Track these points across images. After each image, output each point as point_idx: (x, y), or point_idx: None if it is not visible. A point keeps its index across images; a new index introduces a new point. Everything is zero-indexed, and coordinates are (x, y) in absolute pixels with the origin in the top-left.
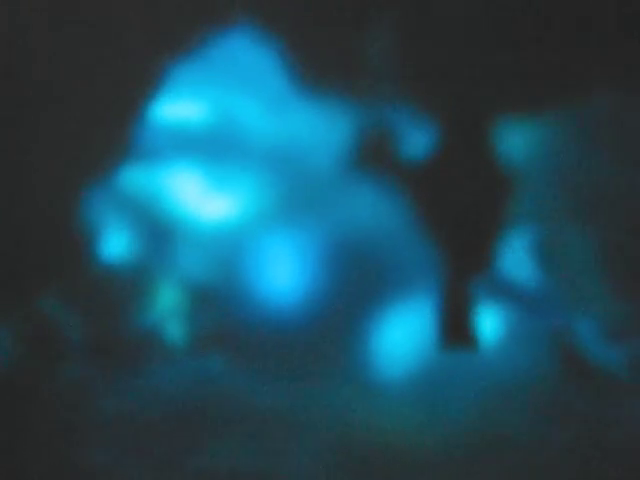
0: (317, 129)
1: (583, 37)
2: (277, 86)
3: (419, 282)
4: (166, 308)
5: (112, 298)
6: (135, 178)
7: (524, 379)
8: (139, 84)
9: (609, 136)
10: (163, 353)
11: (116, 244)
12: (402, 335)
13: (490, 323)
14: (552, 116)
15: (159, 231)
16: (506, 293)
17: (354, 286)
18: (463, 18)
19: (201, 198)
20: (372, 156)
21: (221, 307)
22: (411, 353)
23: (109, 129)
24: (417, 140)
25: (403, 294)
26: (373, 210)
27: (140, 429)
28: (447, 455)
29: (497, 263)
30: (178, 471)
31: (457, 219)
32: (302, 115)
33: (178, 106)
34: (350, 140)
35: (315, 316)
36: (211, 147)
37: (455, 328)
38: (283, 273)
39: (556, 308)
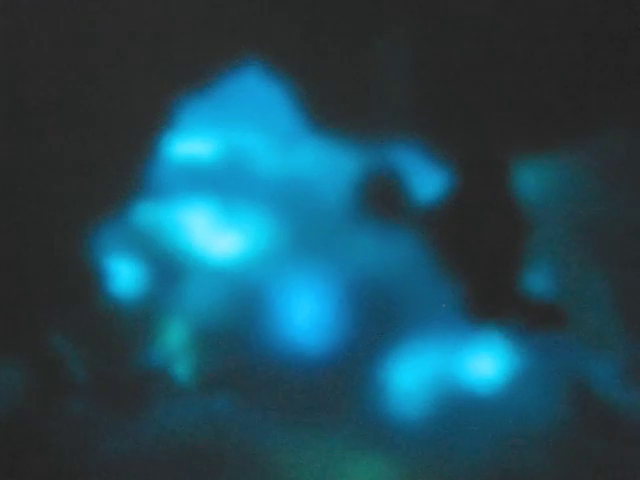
0: (328, 167)
1: (599, 77)
2: (288, 124)
3: (430, 325)
4: (174, 346)
5: (120, 335)
6: (146, 214)
7: (541, 422)
8: (151, 121)
9: (625, 175)
10: (170, 392)
11: (126, 280)
12: (416, 378)
13: (507, 364)
14: (568, 156)
15: (169, 268)
16: (524, 334)
17: (364, 328)
18: (479, 58)
19: (211, 235)
20: (382, 197)
21: (230, 346)
22: (426, 397)
23: (121, 165)
24: (431, 181)
25: (414, 337)
26: (383, 251)
27: (145, 470)
28: None
29: (516, 303)
30: None
31: (474, 259)
32: (313, 153)
33: (189, 143)
34: (360, 180)
35: (326, 358)
36: (222, 184)
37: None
38: (293, 313)
39: (575, 349)
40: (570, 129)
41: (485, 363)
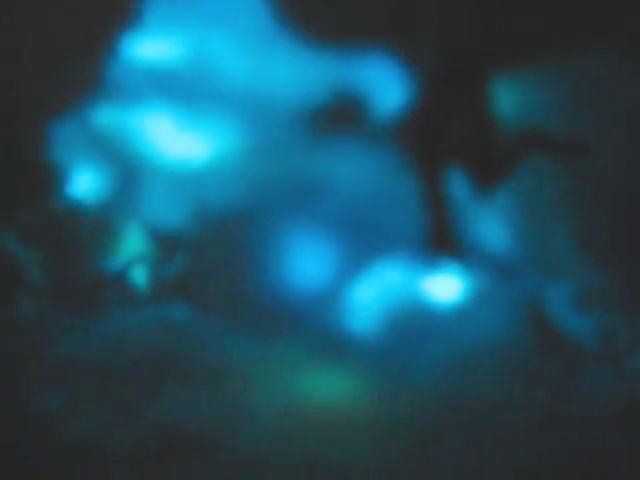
0: (297, 75)
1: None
2: (259, 27)
3: (393, 245)
4: (132, 252)
5: (76, 238)
6: (106, 115)
7: (494, 344)
8: (112, 18)
9: (599, 98)
10: (127, 298)
11: (83, 183)
12: (376, 296)
13: (462, 287)
14: (544, 73)
15: (129, 171)
16: (481, 257)
17: (325, 242)
18: None
19: (173, 139)
20: (350, 109)
21: (189, 254)
22: (385, 314)
23: (79, 63)
24: (399, 91)
25: (376, 256)
26: (347, 162)
27: (97, 374)
28: (413, 418)
29: (475, 227)
30: (135, 419)
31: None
32: (282, 60)
33: (153, 43)
34: (329, 89)
35: (286, 269)
36: (185, 87)
37: (441, 240)
38: (254, 221)
39: (530, 274)
40: (548, 46)
41: (445, 285)
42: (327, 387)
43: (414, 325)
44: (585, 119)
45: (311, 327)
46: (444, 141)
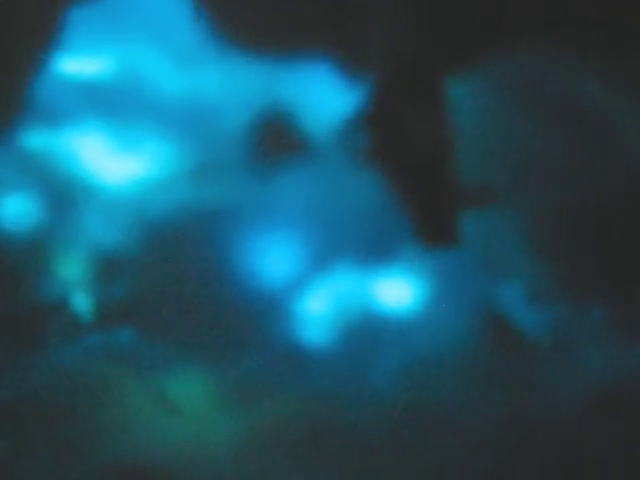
0: (231, 88)
1: None
2: (190, 40)
3: (345, 250)
4: (70, 278)
5: (9, 267)
6: (34, 138)
7: (451, 344)
8: (38, 34)
9: (532, 93)
10: (67, 327)
11: (13, 208)
12: (331, 298)
13: (417, 288)
14: (481, 69)
15: (61, 194)
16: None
17: (274, 255)
18: None
19: (106, 160)
20: (287, 123)
21: (130, 278)
22: (338, 323)
23: (4, 84)
24: (345, 98)
25: (328, 264)
26: (290, 176)
27: (40, 412)
28: (370, 424)
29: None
30: (82, 461)
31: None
32: (216, 72)
33: (81, 59)
34: (266, 103)
35: (233, 287)
36: (117, 105)
37: (436, 228)
38: (196, 241)
39: (482, 272)
40: (491, 42)
41: (397, 288)
42: (284, 407)
43: (368, 332)
44: (532, 119)
45: (264, 343)
46: (403, 151)
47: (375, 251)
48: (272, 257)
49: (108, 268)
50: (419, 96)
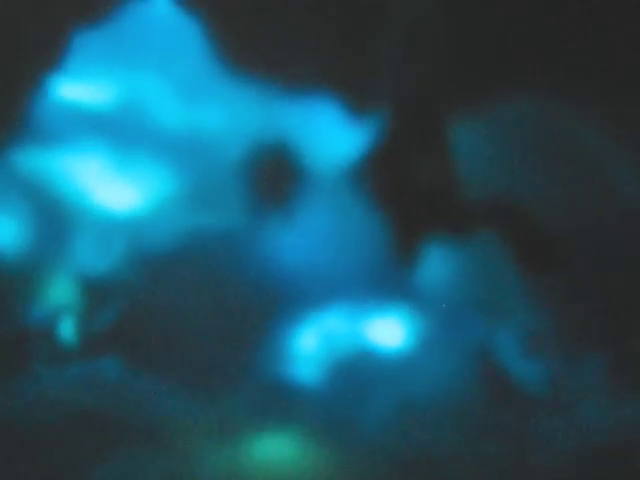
0: (232, 119)
1: (505, 41)
2: (194, 68)
3: (337, 291)
4: (59, 303)
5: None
6: (31, 161)
7: (444, 390)
8: (38, 57)
9: (529, 138)
10: (53, 352)
11: (6, 231)
12: (321, 345)
13: (410, 334)
14: (482, 113)
15: (54, 219)
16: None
17: (265, 291)
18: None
19: (102, 185)
20: (289, 157)
21: (120, 305)
22: (329, 364)
23: (2, 105)
24: (352, 135)
25: (320, 304)
26: (285, 210)
27: (24, 438)
28: (359, 468)
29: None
30: None
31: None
32: (218, 102)
33: (81, 84)
34: (267, 133)
35: (223, 320)
36: (117, 129)
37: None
38: (186, 268)
39: (477, 320)
40: (494, 87)
41: (390, 330)
42: (272, 446)
43: (360, 374)
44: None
45: (254, 380)
46: (408, 191)
47: (370, 292)
48: (266, 291)
49: (97, 295)
50: (423, 137)
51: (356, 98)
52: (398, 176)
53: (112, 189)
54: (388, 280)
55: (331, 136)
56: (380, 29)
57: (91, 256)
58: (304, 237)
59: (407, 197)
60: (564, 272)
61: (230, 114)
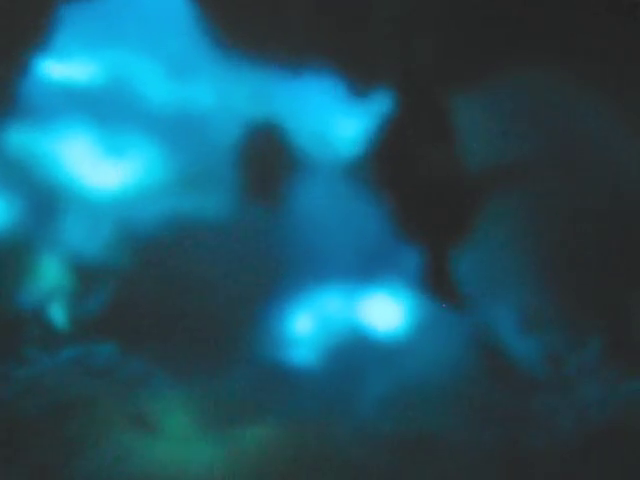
0: (224, 98)
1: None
2: (184, 46)
3: (333, 271)
4: (49, 286)
5: None
6: (18, 140)
7: (441, 371)
8: (25, 34)
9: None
10: (44, 337)
11: None
12: (320, 319)
13: (409, 316)
14: (482, 91)
15: (43, 199)
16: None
17: (259, 271)
18: None
19: (91, 165)
20: (279, 140)
21: (111, 288)
22: (326, 339)
23: None
24: (343, 112)
25: (315, 284)
26: (278, 190)
27: (10, 426)
28: (356, 452)
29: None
30: (55, 476)
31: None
32: (209, 81)
33: (69, 62)
34: (260, 113)
35: (217, 303)
36: (105, 108)
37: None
38: (178, 250)
39: (475, 301)
40: (494, 64)
41: (388, 312)
42: (269, 432)
43: (357, 356)
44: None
45: (248, 364)
46: (406, 176)
47: (366, 273)
48: (259, 274)
49: (88, 278)
50: (424, 116)
51: (357, 76)
52: (399, 160)
53: (101, 169)
54: (385, 262)
55: (326, 115)
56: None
57: (81, 238)
58: (298, 219)
59: (408, 183)
60: (563, 249)
61: (222, 93)
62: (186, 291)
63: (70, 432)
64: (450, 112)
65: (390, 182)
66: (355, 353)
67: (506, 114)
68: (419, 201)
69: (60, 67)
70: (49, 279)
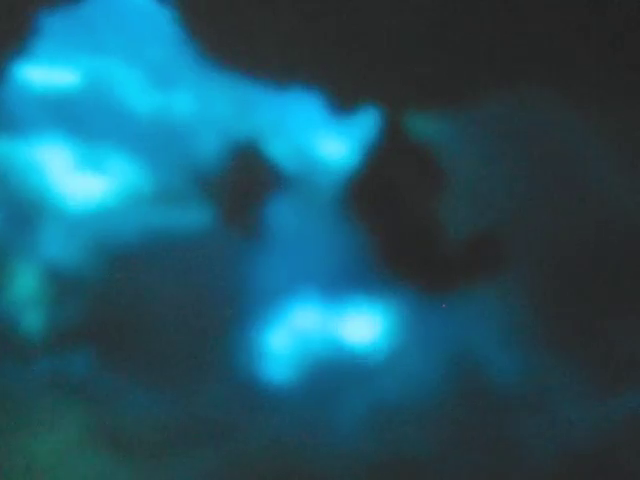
0: (206, 110)
1: (504, 36)
2: (167, 56)
3: (313, 287)
4: (24, 297)
5: None
6: None
7: (419, 389)
8: (3, 38)
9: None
10: (15, 349)
11: None
12: (294, 339)
13: (386, 330)
14: (477, 108)
15: (19, 209)
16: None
17: (235, 282)
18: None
19: (69, 175)
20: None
21: (88, 299)
22: (304, 354)
23: None
24: (325, 130)
25: (293, 300)
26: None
27: None
28: (338, 473)
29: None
30: None
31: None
32: (191, 93)
33: (50, 68)
34: (241, 127)
35: (194, 317)
36: (85, 119)
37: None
38: (155, 262)
39: (456, 316)
40: (478, 82)
41: (366, 328)
42: (244, 449)
43: (334, 373)
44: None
45: (225, 379)
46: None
47: (344, 289)
48: (235, 290)
49: (63, 288)
50: (408, 138)
51: (341, 94)
52: (381, 183)
53: (80, 179)
54: (363, 278)
55: (308, 131)
56: (368, 20)
57: (57, 248)
58: (276, 237)
59: (389, 205)
60: (545, 268)
61: (204, 106)
62: (163, 303)
63: (34, 449)
64: (434, 134)
65: (371, 203)
66: (332, 370)
67: (492, 136)
68: (398, 225)
69: (40, 75)
70: (23, 288)
